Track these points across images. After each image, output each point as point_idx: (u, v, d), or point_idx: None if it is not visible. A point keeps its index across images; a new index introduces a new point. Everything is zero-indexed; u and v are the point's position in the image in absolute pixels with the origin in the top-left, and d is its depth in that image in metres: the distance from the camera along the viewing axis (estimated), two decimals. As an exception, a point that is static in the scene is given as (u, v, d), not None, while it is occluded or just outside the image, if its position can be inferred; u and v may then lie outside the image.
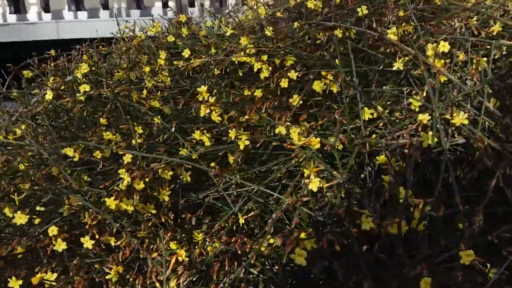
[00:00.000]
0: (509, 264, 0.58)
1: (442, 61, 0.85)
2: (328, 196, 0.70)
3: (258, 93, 1.01)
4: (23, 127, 1.12)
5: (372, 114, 0.83)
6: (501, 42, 0.82)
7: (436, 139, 0.72)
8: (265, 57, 1.04)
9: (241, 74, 1.15)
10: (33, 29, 2.49)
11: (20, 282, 0.72)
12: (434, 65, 0.83)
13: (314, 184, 0.67)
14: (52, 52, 1.49)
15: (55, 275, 0.73)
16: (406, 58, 0.84)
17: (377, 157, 0.76)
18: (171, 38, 1.28)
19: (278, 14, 1.29)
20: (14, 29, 2.52)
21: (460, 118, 0.68)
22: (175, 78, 1.24)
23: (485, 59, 0.87)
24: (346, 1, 1.07)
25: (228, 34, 1.29)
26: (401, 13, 0.96)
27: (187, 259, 0.74)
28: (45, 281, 0.72)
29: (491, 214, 0.66)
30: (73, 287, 0.74)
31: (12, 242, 0.82)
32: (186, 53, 1.25)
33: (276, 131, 0.78)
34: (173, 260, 0.73)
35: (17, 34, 2.56)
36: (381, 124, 0.81)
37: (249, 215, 0.77)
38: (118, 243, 0.74)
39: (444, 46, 0.83)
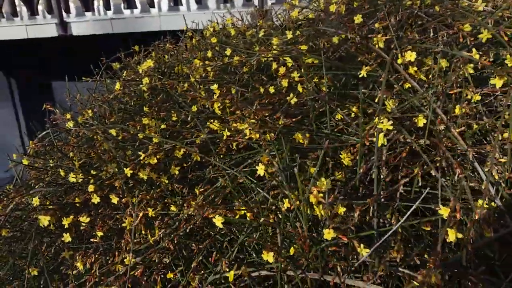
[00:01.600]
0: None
1: (415, 68, 0.92)
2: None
3: (271, 89, 1.17)
4: (90, 111, 1.45)
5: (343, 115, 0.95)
6: (458, 52, 0.85)
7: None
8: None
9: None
10: (141, 21, 2.94)
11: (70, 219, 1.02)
12: (403, 72, 0.91)
13: (261, 170, 0.83)
14: (136, 47, 1.82)
15: (88, 219, 1.01)
16: (373, 65, 0.92)
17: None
18: (213, 40, 1.50)
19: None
20: (127, 22, 3.00)
21: (385, 124, 0.76)
22: (216, 74, 1.45)
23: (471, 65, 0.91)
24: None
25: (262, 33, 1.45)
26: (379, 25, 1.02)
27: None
28: (82, 223, 1.01)
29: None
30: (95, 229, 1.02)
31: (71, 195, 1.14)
32: (228, 51, 1.45)
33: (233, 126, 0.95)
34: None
35: (132, 26, 3.04)
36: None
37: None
38: (123, 201, 1.00)
39: (411, 56, 0.89)
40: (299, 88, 1.02)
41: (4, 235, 1.16)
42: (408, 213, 0.70)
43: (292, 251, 0.75)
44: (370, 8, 1.14)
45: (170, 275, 0.91)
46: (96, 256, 1.00)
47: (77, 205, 1.11)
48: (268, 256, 0.70)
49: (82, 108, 1.57)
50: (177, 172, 1.09)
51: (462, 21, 0.97)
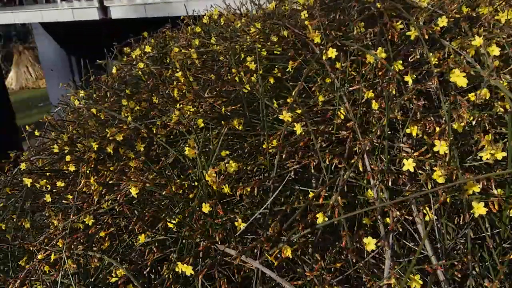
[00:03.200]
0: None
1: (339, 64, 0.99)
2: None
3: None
4: (82, 92, 1.63)
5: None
6: (367, 51, 0.90)
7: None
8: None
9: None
10: (170, 6, 3.11)
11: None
12: (327, 67, 0.98)
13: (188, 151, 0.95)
14: (145, 33, 1.99)
15: (63, 184, 1.20)
16: (298, 60, 0.99)
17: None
18: (197, 29, 1.61)
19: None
20: (158, 7, 3.18)
21: (285, 115, 0.85)
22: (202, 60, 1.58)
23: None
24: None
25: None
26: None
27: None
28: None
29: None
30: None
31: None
32: (213, 39, 1.56)
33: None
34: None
35: (162, 11, 3.23)
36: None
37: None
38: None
39: (332, 52, 0.96)
40: (243, 79, 1.12)
41: (7, 192, 1.39)
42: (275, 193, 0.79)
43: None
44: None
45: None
46: (67, 215, 1.18)
47: (65, 171, 1.31)
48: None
49: (87, 88, 1.76)
50: (142, 149, 1.24)
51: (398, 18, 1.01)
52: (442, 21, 0.93)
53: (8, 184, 1.41)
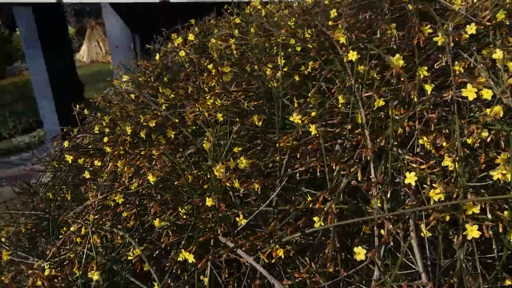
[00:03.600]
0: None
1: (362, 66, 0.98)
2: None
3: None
4: (125, 77, 1.72)
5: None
6: (386, 56, 0.88)
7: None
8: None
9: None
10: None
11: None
12: (348, 70, 0.98)
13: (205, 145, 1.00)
14: (192, 20, 2.05)
15: (100, 163, 1.30)
16: (319, 61, 0.98)
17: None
18: (237, 20, 1.64)
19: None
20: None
21: (295, 117, 0.86)
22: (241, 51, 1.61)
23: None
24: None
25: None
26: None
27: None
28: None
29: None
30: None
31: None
32: (252, 30, 1.58)
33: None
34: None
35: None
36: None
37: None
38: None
39: (353, 55, 0.95)
40: (268, 75, 1.14)
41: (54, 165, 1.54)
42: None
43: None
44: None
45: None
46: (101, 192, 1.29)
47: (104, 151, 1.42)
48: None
49: (133, 73, 1.86)
50: (172, 136, 1.31)
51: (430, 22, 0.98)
52: (471, 29, 0.89)
53: (57, 158, 1.55)
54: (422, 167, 0.77)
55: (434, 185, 0.70)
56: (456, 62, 0.90)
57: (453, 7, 1.02)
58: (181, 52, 1.68)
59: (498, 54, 0.74)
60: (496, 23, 0.91)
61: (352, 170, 0.76)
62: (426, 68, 0.92)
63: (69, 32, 19.87)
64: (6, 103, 9.49)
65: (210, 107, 1.09)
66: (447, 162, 0.72)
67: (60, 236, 1.16)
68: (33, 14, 5.27)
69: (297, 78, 1.16)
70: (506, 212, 0.70)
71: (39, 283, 1.01)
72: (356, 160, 0.79)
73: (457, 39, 0.90)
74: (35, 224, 1.44)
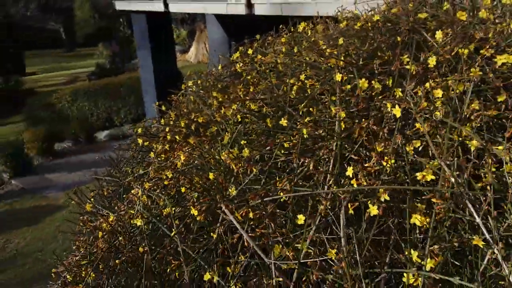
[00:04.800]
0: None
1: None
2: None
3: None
4: (191, 82, 2.11)
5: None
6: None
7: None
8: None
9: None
10: (300, 7, 3.43)
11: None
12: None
13: (225, 138, 1.34)
14: (258, 36, 2.39)
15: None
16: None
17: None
18: (284, 39, 1.93)
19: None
20: (292, 6, 3.54)
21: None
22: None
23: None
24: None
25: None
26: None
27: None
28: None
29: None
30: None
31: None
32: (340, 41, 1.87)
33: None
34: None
35: (296, 10, 3.59)
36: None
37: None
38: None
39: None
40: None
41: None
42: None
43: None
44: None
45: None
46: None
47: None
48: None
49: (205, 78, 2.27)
50: (214, 130, 1.66)
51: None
52: (432, 61, 1.09)
53: (135, 141, 2.01)
54: (366, 165, 1.01)
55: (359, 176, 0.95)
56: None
57: (435, 38, 1.22)
58: (238, 64, 2.04)
59: (428, 84, 0.96)
60: (457, 56, 1.10)
61: (307, 161, 1.03)
62: (400, 89, 1.15)
63: (181, 34, 21.42)
64: (121, 96, 10.91)
65: (235, 110, 1.42)
66: (384, 163, 0.96)
67: (124, 196, 1.59)
68: (146, 20, 6.11)
69: (294, 93, 1.44)
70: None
71: (105, 226, 1.43)
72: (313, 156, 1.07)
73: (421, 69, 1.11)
74: (114, 189, 1.90)
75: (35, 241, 5.90)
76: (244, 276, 1.11)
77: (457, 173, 0.86)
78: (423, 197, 0.85)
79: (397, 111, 0.96)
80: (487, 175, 0.90)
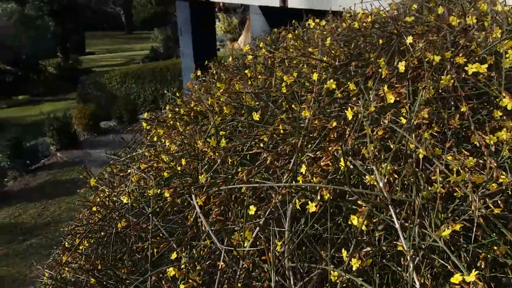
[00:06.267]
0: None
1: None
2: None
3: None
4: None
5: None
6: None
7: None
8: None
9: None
10: (328, 0, 3.41)
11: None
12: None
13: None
14: (275, 30, 2.42)
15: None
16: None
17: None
18: (289, 36, 1.95)
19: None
20: (324, 1, 3.52)
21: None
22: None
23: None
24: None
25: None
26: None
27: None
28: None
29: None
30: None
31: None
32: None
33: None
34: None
35: (324, 4, 3.56)
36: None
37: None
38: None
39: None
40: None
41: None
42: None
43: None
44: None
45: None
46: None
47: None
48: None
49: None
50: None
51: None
52: (401, 65, 1.10)
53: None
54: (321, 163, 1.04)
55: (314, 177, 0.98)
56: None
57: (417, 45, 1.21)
58: (248, 57, 2.09)
59: (383, 89, 0.97)
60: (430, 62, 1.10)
61: (265, 155, 1.08)
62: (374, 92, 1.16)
63: (232, 23, 21.63)
64: (167, 80, 11.26)
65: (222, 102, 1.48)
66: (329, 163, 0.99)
67: (122, 174, 1.70)
68: (189, 7, 6.25)
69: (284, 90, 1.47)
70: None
71: (98, 200, 1.55)
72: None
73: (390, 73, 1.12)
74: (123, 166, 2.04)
75: (68, 210, 6.32)
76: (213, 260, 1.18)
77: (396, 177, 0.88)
78: (349, 198, 0.88)
79: (349, 113, 0.98)
80: (435, 184, 0.91)
